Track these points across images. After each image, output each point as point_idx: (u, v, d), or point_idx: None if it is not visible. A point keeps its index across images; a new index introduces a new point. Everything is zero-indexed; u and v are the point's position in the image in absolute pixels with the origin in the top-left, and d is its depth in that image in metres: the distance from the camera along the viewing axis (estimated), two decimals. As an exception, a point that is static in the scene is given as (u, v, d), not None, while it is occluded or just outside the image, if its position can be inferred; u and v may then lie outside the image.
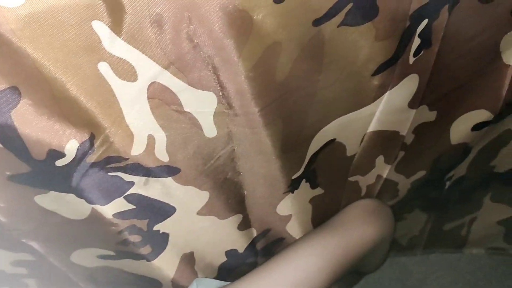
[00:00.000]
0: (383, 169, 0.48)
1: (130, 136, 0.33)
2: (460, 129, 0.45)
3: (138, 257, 0.42)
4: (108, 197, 0.36)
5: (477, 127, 0.44)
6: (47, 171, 0.32)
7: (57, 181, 0.34)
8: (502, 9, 0.36)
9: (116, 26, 0.28)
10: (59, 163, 0.32)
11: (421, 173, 0.49)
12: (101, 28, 0.28)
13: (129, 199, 0.37)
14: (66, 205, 0.36)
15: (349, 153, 0.45)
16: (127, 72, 0.30)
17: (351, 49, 0.34)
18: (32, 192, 0.34)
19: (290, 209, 0.46)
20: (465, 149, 0.47)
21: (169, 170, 0.37)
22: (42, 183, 0.34)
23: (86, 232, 0.40)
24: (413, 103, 0.40)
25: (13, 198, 0.35)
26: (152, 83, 0.31)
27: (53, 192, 0.35)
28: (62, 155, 0.32)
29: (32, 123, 0.30)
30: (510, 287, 0.66)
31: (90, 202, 0.36)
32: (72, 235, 0.40)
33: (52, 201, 0.35)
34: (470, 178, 0.53)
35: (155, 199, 0.39)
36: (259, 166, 0.40)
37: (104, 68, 0.30)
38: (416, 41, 0.35)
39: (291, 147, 0.40)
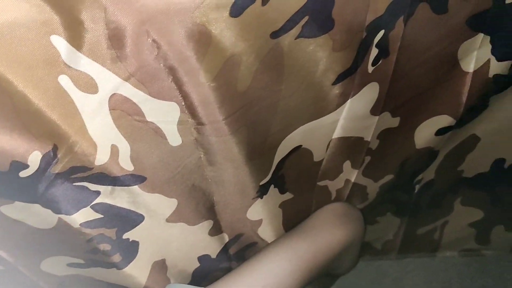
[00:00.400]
0: (350, 173, 0.49)
1: (93, 146, 0.34)
2: (424, 134, 0.46)
3: (109, 265, 0.43)
4: (75, 207, 0.36)
5: (440, 131, 0.45)
6: (11, 182, 0.33)
7: (22, 191, 0.34)
8: (457, 19, 0.37)
9: (75, 40, 0.29)
10: (23, 174, 0.32)
11: (388, 177, 0.50)
12: (60, 43, 0.28)
13: (96, 208, 0.38)
14: (33, 215, 0.36)
15: (316, 158, 0.45)
16: (88, 85, 0.31)
17: (310, 60, 0.35)
18: (-2, 202, 0.35)
19: (261, 214, 0.47)
20: (431, 153, 0.49)
21: (135, 179, 0.37)
22: (6, 194, 0.34)
23: (54, 241, 0.40)
24: (375, 110, 0.41)
25: (-22, 208, 0.35)
26: (113, 94, 0.32)
27: (18, 202, 0.35)
28: (25, 166, 0.32)
29: None
30: (482, 285, 0.67)
31: (56, 212, 0.36)
32: (40, 244, 0.40)
33: (18, 211, 0.36)
34: (439, 183, 0.54)
35: (123, 208, 0.39)
36: (227, 173, 0.41)
37: (64, 81, 0.30)
38: (374, 51, 0.36)
39: (257, 154, 0.40)
